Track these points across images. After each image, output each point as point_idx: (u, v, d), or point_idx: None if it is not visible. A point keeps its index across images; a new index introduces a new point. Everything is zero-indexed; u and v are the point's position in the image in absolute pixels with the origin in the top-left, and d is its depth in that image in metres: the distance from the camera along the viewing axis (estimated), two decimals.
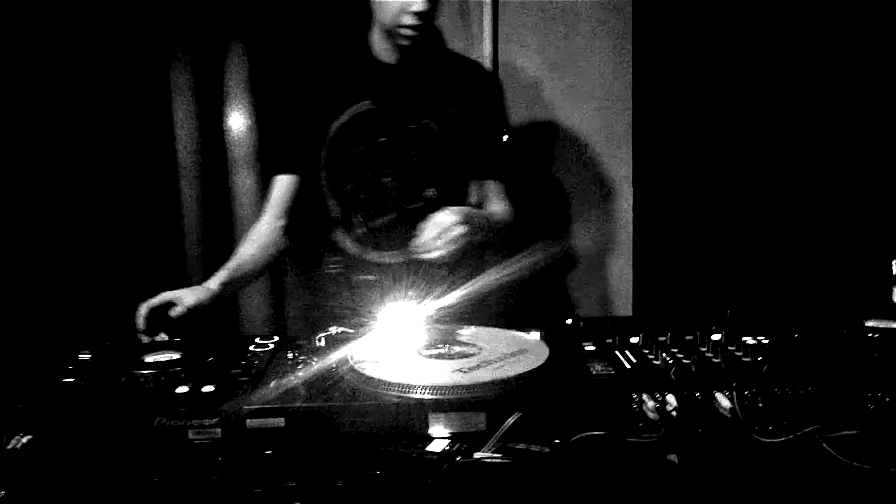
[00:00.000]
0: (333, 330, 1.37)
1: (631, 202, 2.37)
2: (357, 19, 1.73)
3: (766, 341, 1.29)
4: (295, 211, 1.83)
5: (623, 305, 2.39)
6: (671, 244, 2.41)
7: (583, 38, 2.33)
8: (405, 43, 1.65)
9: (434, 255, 1.54)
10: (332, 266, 1.85)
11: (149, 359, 1.26)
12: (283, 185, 1.80)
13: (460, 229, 1.54)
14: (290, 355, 1.27)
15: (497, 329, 1.42)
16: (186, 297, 1.54)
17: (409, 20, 1.60)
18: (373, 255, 1.79)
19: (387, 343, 1.32)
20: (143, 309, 1.51)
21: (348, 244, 1.81)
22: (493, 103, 1.83)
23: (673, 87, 2.40)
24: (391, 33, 1.65)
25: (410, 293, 1.59)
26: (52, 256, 2.14)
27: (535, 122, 2.36)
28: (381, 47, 1.73)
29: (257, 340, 1.37)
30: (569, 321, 1.44)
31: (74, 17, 2.17)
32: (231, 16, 2.29)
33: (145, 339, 1.49)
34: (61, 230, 2.16)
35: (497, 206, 1.83)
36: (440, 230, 1.53)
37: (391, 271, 1.77)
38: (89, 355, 1.29)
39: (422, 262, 1.60)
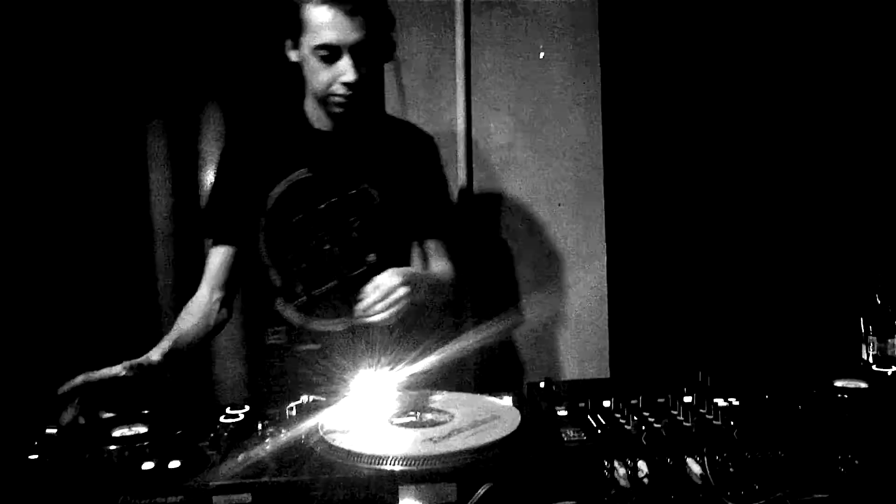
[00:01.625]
0: (305, 398, 1.36)
1: (605, 261, 2.39)
2: (291, 87, 1.76)
3: (736, 403, 1.30)
4: (232, 283, 1.83)
5: (599, 365, 2.39)
6: (646, 303, 2.43)
7: (554, 100, 2.38)
8: (337, 111, 1.68)
9: (377, 318, 1.53)
10: (273, 337, 1.83)
11: (116, 433, 1.24)
12: (219, 256, 1.80)
13: (403, 290, 1.53)
14: (259, 426, 1.26)
15: (469, 394, 1.42)
16: (118, 368, 1.48)
17: (339, 90, 1.63)
18: (315, 324, 1.78)
19: (358, 411, 1.32)
20: (77, 380, 1.40)
21: (290, 314, 1.80)
22: (430, 164, 1.86)
23: (644, 146, 2.45)
24: (324, 101, 1.67)
25: (357, 361, 1.59)
26: (22, 322, 2.12)
27: (508, 183, 2.38)
28: (315, 115, 1.76)
29: (227, 410, 1.35)
30: (541, 384, 1.44)
31: (54, 84, 2.20)
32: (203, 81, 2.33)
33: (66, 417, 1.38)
34: (33, 296, 2.14)
35: (438, 266, 1.84)
36: (383, 293, 1.52)
37: (335, 339, 1.76)
38: (55, 430, 1.27)
39: (365, 327, 1.59)
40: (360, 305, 1.54)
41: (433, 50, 2.35)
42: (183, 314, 1.76)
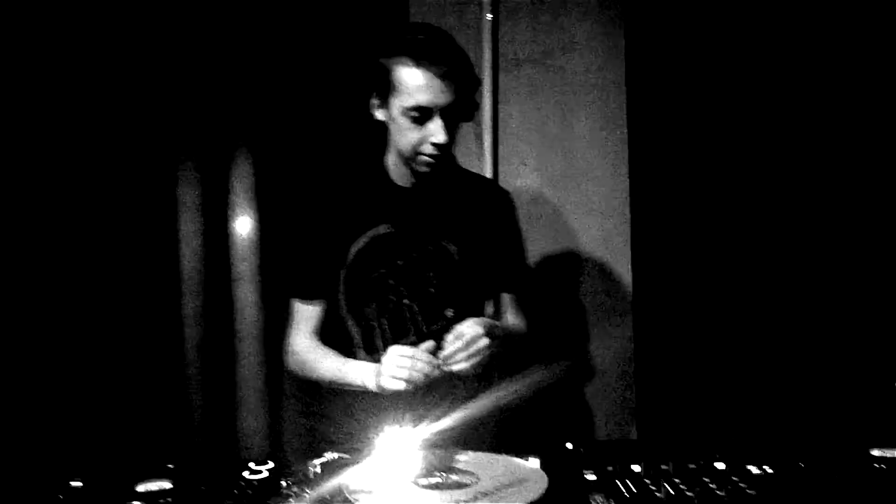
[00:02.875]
0: (329, 456, 1.35)
1: (631, 318, 2.36)
2: (373, 143, 1.78)
3: (770, 471, 1.26)
4: (322, 334, 1.84)
5: (625, 423, 2.35)
6: (674, 361, 2.40)
7: (581, 156, 2.39)
8: (425, 170, 1.69)
9: (459, 367, 1.55)
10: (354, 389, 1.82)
11: (140, 488, 1.23)
12: (309, 311, 1.81)
13: (485, 341, 1.56)
14: (283, 484, 1.25)
15: (495, 455, 1.40)
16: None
17: (429, 150, 1.64)
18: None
19: (382, 471, 1.29)
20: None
21: None
22: (507, 219, 1.88)
23: (672, 202, 2.44)
24: (411, 160, 1.68)
25: (415, 415, 1.63)
26: (50, 373, 2.12)
27: (535, 238, 2.36)
28: (397, 171, 1.77)
29: (251, 466, 1.34)
30: (569, 446, 1.42)
31: (84, 127, 2.23)
32: (239, 125, 2.36)
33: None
34: (59, 345, 2.15)
35: (513, 318, 1.87)
36: (466, 342, 1.55)
37: (413, 394, 1.71)
38: (81, 483, 1.27)
39: (446, 379, 1.61)
40: (443, 354, 1.56)
41: None
42: (307, 356, 1.78)
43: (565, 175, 2.39)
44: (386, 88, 1.63)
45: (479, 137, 2.38)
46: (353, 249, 1.76)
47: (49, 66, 2.20)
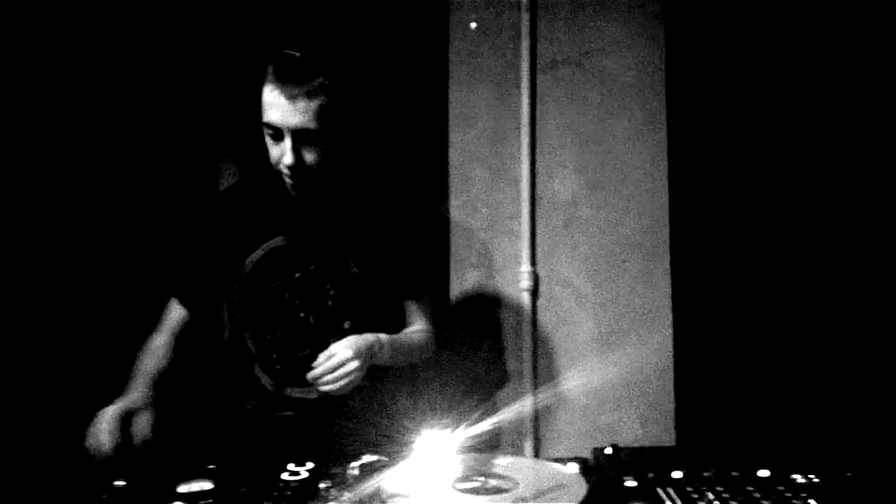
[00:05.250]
0: (368, 458, 1.35)
1: (671, 320, 2.33)
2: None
3: (816, 480, 1.23)
4: (186, 335, 1.83)
5: (664, 428, 2.31)
6: (715, 364, 2.36)
7: (619, 158, 2.37)
8: (289, 187, 1.67)
9: (325, 388, 1.56)
10: (250, 403, 1.83)
11: (182, 489, 1.25)
12: (179, 314, 1.81)
13: (353, 364, 1.56)
14: (322, 486, 1.25)
15: (534, 460, 1.39)
16: (141, 416, 1.55)
17: (283, 169, 1.63)
18: (290, 391, 1.78)
19: (420, 474, 1.30)
20: (106, 430, 1.48)
21: (266, 380, 1.81)
22: (405, 225, 1.84)
23: (711, 204, 2.41)
24: (278, 174, 1.67)
25: (332, 429, 1.69)
26: (94, 372, 2.11)
27: (572, 240, 2.37)
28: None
29: (290, 467, 1.35)
30: (608, 451, 1.40)
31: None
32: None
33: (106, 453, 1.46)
34: (103, 344, 2.18)
35: (416, 326, 1.84)
36: (333, 365, 1.55)
37: (311, 407, 1.77)
38: (124, 483, 1.29)
39: (337, 396, 1.61)
40: (311, 373, 1.57)
41: (498, 108, 2.38)
42: (146, 356, 1.75)
43: (603, 177, 2.37)
44: (259, 100, 1.62)
45: (515, 140, 2.37)
46: (248, 262, 1.75)
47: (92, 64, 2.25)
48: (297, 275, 1.75)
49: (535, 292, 2.35)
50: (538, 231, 2.37)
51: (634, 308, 2.35)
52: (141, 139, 2.37)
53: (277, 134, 1.60)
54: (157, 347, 1.76)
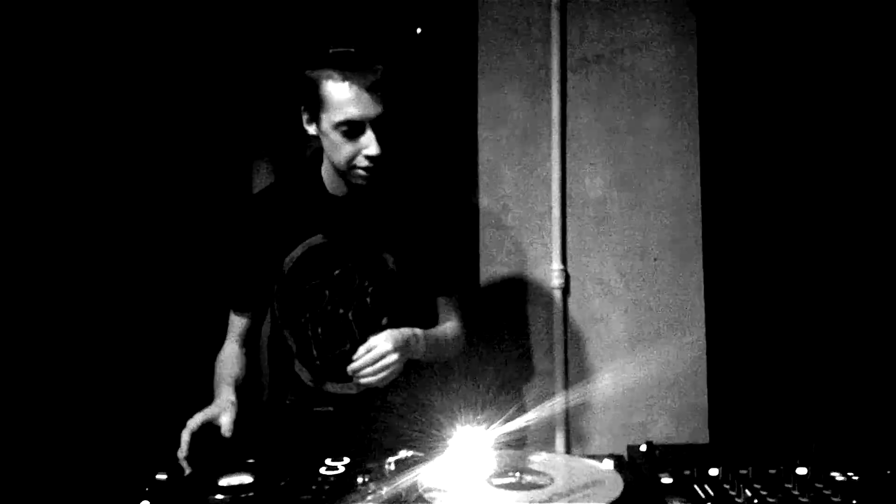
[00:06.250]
0: (404, 454, 1.36)
1: (704, 317, 2.32)
2: (310, 154, 1.80)
3: (856, 478, 1.22)
4: (256, 341, 1.89)
5: (697, 426, 2.31)
6: (749, 361, 2.35)
7: (650, 155, 2.36)
8: (360, 182, 1.68)
9: (365, 381, 1.58)
10: (290, 398, 1.87)
11: (223, 482, 1.27)
12: (241, 322, 1.86)
13: (393, 357, 1.58)
14: (359, 480, 1.27)
15: (569, 456, 1.40)
16: (224, 416, 1.57)
17: (363, 163, 1.64)
18: (331, 387, 1.81)
19: (456, 469, 1.31)
20: (187, 435, 1.52)
21: (306, 376, 1.83)
22: (442, 222, 1.86)
23: (744, 200, 2.40)
24: (346, 174, 1.68)
25: (374, 423, 1.72)
26: (138, 368, 2.22)
27: (603, 238, 2.36)
28: (332, 181, 1.77)
29: (328, 462, 1.37)
30: (643, 448, 1.40)
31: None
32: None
33: (188, 467, 1.48)
34: (145, 341, 2.25)
35: (448, 323, 1.86)
36: (374, 357, 1.57)
37: (350, 402, 1.80)
38: (166, 476, 1.31)
39: (376, 391, 1.64)
40: (351, 366, 1.59)
41: (529, 106, 2.38)
42: (221, 366, 1.80)
43: (635, 175, 2.36)
44: (315, 103, 1.63)
45: (546, 138, 2.37)
46: (288, 261, 1.78)
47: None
48: (335, 272, 1.78)
49: (565, 290, 2.35)
50: (569, 229, 2.37)
51: (667, 306, 2.34)
52: (173, 143, 2.42)
53: (354, 130, 1.61)
54: (229, 357, 1.82)
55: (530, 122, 2.38)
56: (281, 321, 1.84)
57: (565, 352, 2.34)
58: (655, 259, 2.35)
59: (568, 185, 2.37)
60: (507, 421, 1.48)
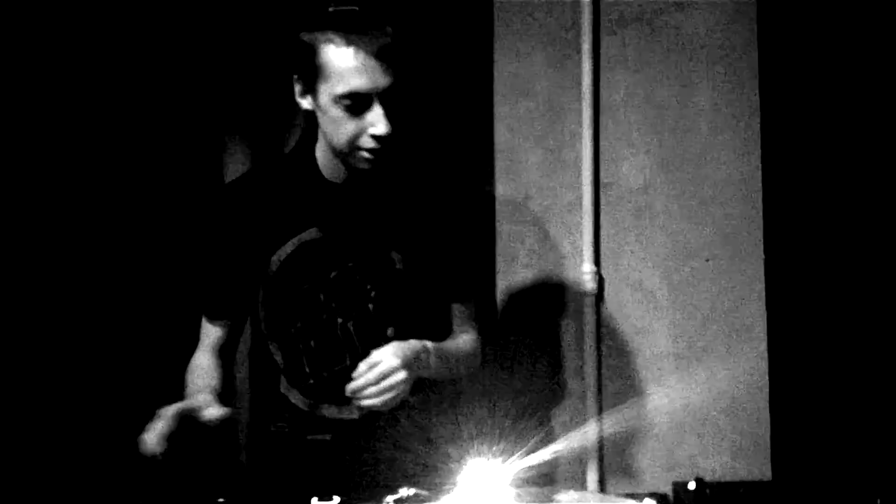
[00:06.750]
0: (404, 492, 1.37)
1: (765, 330, 2.30)
2: (302, 132, 1.80)
3: None
4: (233, 352, 1.89)
5: (757, 460, 2.29)
6: (819, 387, 2.33)
7: (701, 133, 2.34)
8: (364, 166, 1.67)
9: (367, 402, 1.56)
10: (276, 424, 1.85)
11: None
12: (217, 332, 1.84)
13: (401, 375, 1.56)
14: None
15: (603, 496, 1.39)
16: (211, 408, 1.57)
17: (369, 143, 1.63)
18: (326, 410, 1.80)
19: None
20: (163, 422, 1.50)
21: (296, 398, 1.82)
22: (457, 215, 1.85)
23: (815, 187, 2.38)
24: (347, 156, 1.67)
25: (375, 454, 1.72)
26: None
27: (644, 234, 2.35)
28: (328, 165, 1.76)
29: (314, 500, 1.35)
30: (692, 485, 1.40)
31: None
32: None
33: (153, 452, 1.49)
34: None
35: (463, 335, 1.85)
36: (378, 375, 1.55)
37: (350, 428, 1.78)
38: None
39: (383, 414, 1.64)
40: (351, 385, 1.57)
41: (554, 76, 2.37)
42: (194, 377, 1.79)
43: (682, 158, 2.34)
44: (311, 72, 1.61)
45: (575, 114, 2.35)
46: (275, 259, 1.76)
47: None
48: (332, 273, 1.77)
49: (599, 297, 2.35)
50: (603, 224, 2.36)
51: (720, 316, 2.32)
52: (127, 116, 2.44)
53: (359, 104, 1.60)
54: (202, 367, 1.81)
55: (556, 95, 2.37)
56: (266, 332, 1.82)
57: (599, 370, 2.33)
58: (707, 259, 2.33)
59: (601, 171, 2.36)
60: (529, 452, 1.48)
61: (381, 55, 1.57)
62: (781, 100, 2.35)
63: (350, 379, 1.60)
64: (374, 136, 1.61)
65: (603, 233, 2.35)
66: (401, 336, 1.69)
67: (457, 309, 1.86)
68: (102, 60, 2.40)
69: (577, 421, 2.29)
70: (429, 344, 1.70)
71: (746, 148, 2.33)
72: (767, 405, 2.29)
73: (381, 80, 1.58)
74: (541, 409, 2.30)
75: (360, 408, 1.63)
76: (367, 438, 1.77)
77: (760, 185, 2.32)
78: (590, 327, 2.33)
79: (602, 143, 2.37)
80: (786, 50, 2.36)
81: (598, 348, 2.33)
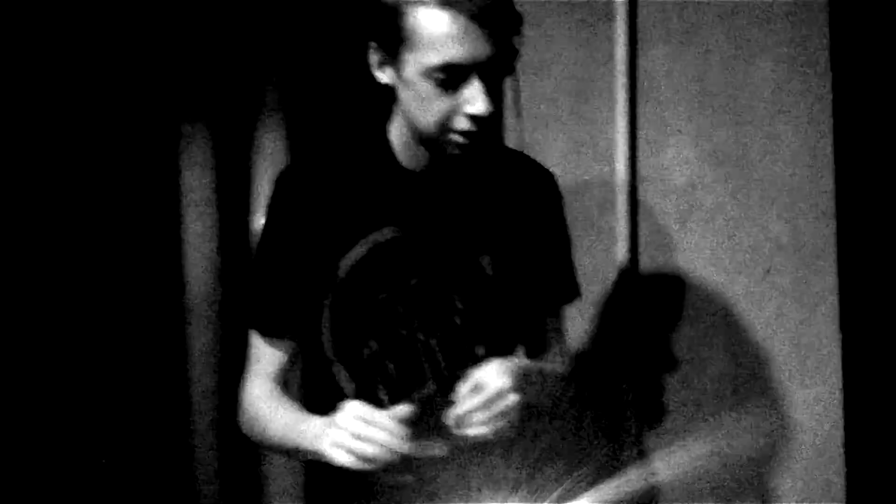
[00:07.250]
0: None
1: (839, 358, 2.18)
2: (372, 110, 1.69)
3: None
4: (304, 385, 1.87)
5: (834, 491, 2.22)
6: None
7: (759, 119, 2.22)
8: (455, 152, 1.54)
9: (476, 432, 1.45)
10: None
11: None
12: (275, 354, 1.73)
13: (513, 397, 1.46)
14: None
15: None
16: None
17: (464, 125, 1.49)
18: (408, 447, 1.65)
19: None
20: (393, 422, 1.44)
21: None
22: (556, 215, 1.79)
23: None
24: (433, 140, 1.55)
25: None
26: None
27: (691, 241, 2.24)
28: (406, 151, 1.64)
29: None
30: None
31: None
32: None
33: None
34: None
35: (556, 356, 1.82)
36: (486, 399, 1.45)
37: (436, 468, 1.66)
38: None
39: (480, 452, 1.58)
40: (454, 412, 1.46)
41: (584, 50, 2.27)
42: (268, 412, 1.69)
43: (736, 148, 2.23)
44: (395, 39, 1.48)
45: (608, 96, 2.23)
46: (345, 264, 1.64)
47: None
48: (412, 281, 1.64)
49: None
50: (641, 225, 2.27)
51: (785, 339, 2.24)
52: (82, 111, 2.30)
53: (455, 77, 1.48)
54: (270, 396, 1.71)
55: (586, 71, 2.27)
56: (331, 351, 1.68)
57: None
58: (768, 270, 2.24)
59: (639, 164, 2.26)
60: (561, 500, 1.46)
61: (483, 19, 1.44)
62: (858, 78, 2.24)
63: (435, 408, 1.53)
64: (470, 117, 1.48)
65: (641, 236, 2.28)
66: (493, 356, 1.58)
67: (551, 323, 1.81)
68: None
69: (618, 461, 2.25)
70: (543, 365, 1.69)
71: (814, 136, 2.24)
72: (841, 444, 2.22)
73: (483, 49, 1.45)
74: (574, 448, 2.24)
75: (457, 440, 1.52)
76: (458, 479, 1.69)
77: (833, 181, 2.24)
78: None
79: (639, 130, 2.27)
80: (864, 18, 2.24)
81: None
